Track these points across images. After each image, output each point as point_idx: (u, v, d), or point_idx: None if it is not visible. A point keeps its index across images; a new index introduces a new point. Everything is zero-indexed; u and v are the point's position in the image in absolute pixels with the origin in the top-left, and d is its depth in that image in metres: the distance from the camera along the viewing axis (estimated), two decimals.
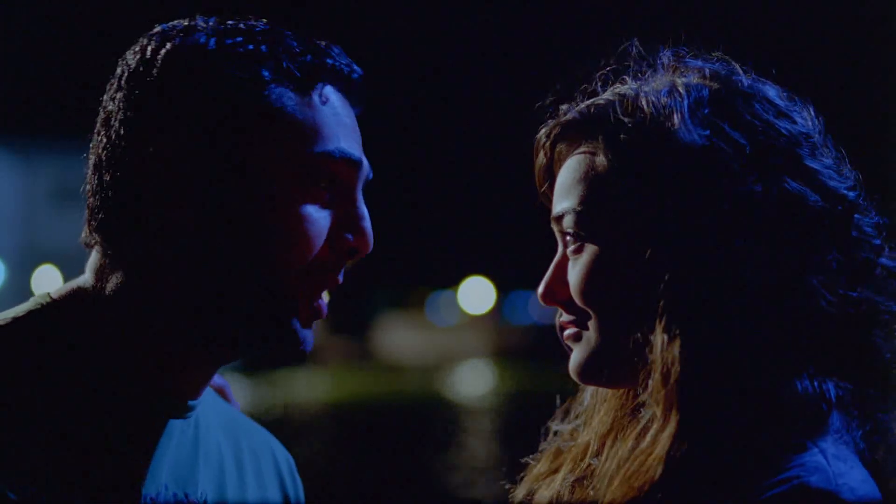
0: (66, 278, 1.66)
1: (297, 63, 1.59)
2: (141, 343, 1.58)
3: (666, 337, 1.58)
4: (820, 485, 1.49)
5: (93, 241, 1.62)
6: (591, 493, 1.69)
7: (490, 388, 27.44)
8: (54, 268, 29.19)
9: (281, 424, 18.28)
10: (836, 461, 1.53)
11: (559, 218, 1.72)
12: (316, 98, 1.60)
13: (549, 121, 1.78)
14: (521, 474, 1.87)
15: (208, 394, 1.73)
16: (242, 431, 1.81)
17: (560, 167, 1.75)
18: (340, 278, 1.63)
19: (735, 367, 1.55)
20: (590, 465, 1.73)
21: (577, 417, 1.84)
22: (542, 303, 1.75)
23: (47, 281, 28.51)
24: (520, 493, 1.84)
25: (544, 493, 1.79)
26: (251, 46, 1.58)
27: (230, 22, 1.63)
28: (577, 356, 1.71)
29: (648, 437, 1.60)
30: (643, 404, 1.65)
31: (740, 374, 1.55)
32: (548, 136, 1.77)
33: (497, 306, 40.69)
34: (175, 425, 1.62)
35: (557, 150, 1.77)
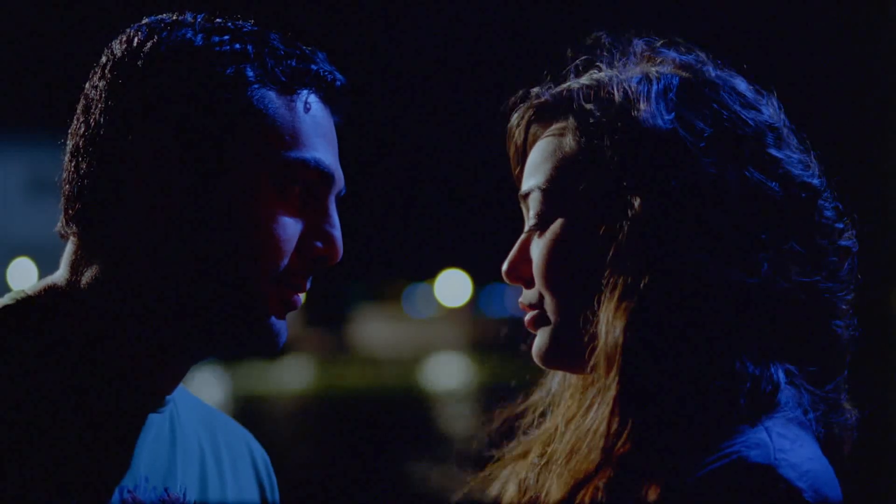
0: (42, 271, 1.68)
1: (281, 66, 1.61)
2: (116, 337, 1.59)
3: (612, 311, 1.60)
4: (759, 459, 1.50)
5: (68, 232, 1.62)
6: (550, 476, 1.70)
7: (466, 380, 27.46)
8: (30, 261, 29.00)
9: (257, 416, 18.26)
10: (781, 438, 1.53)
11: (525, 196, 1.75)
12: (298, 103, 1.62)
13: (522, 105, 1.81)
14: (491, 464, 1.88)
15: (182, 390, 1.74)
16: (218, 427, 1.81)
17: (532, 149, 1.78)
18: (308, 284, 1.65)
19: (677, 345, 1.57)
20: (556, 449, 1.74)
21: (545, 402, 1.86)
22: (505, 279, 1.77)
23: (23, 274, 28.34)
24: (488, 480, 1.86)
25: (512, 479, 1.80)
26: (238, 46, 1.60)
27: (218, 20, 1.65)
28: (539, 340, 1.73)
29: (591, 412, 1.62)
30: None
31: (681, 352, 1.57)
32: (520, 120, 1.80)
33: (473, 299, 40.71)
34: (151, 420, 1.62)
35: (531, 132, 1.80)
